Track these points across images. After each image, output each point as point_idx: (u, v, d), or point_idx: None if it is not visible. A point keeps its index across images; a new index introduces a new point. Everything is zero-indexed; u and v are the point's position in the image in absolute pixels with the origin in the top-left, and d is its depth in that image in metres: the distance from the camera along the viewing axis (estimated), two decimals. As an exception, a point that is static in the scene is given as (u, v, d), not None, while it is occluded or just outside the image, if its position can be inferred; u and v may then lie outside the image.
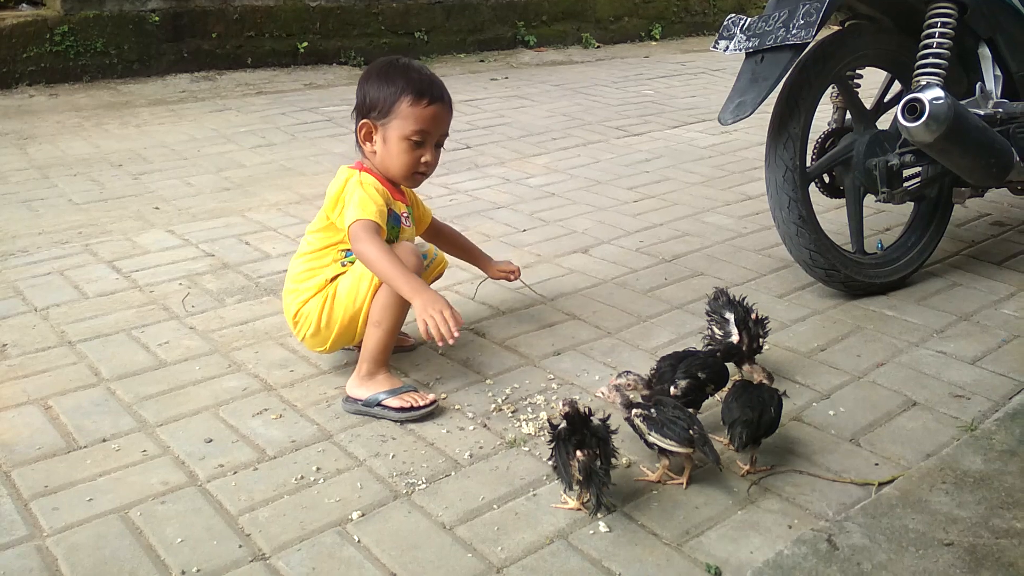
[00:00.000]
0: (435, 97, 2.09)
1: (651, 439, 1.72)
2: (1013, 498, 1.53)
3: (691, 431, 1.69)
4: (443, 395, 2.11)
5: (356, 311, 2.08)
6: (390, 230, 2.10)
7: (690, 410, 1.81)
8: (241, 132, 4.64)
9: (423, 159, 2.12)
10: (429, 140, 2.11)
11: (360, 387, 2.05)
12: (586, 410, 1.68)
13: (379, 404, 2.01)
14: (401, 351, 2.32)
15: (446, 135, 2.17)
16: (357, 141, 2.15)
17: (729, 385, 1.91)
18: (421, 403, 2.01)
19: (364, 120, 2.11)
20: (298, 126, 4.79)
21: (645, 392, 1.80)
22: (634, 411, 1.77)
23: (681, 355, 1.99)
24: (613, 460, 1.66)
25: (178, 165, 4.05)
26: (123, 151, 4.26)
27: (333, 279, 2.13)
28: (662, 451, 1.73)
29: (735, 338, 2.06)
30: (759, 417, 1.73)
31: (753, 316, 2.10)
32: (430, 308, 1.89)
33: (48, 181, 3.79)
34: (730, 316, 2.09)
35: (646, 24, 7.97)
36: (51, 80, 5.51)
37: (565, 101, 5.48)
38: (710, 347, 2.09)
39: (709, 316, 2.17)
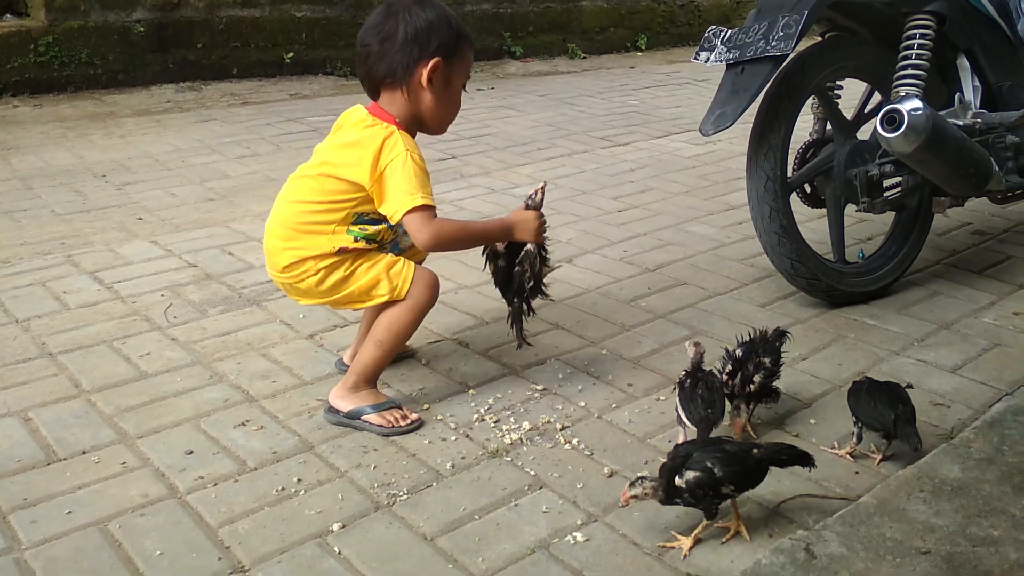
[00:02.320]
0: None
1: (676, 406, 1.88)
2: (990, 506, 1.54)
3: (707, 410, 1.81)
4: (425, 406, 2.11)
5: (361, 300, 2.02)
6: None
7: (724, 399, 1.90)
8: (226, 142, 4.64)
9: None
10: None
11: (344, 399, 2.03)
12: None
13: (361, 418, 2.00)
14: (400, 358, 2.30)
15: None
16: (403, 80, 1.96)
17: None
18: (403, 424, 1.99)
19: (437, 58, 1.95)
20: (283, 136, 4.78)
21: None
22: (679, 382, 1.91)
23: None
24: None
25: (162, 176, 4.04)
26: (107, 162, 4.25)
27: (344, 252, 1.97)
28: (679, 418, 1.86)
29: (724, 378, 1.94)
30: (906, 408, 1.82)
31: (759, 360, 1.95)
32: (533, 230, 2.02)
33: (31, 192, 3.77)
34: (738, 352, 1.98)
35: (632, 35, 8.01)
36: (35, 91, 5.49)
37: (551, 111, 5.50)
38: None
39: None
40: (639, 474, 1.64)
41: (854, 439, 1.87)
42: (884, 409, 1.78)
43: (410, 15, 1.95)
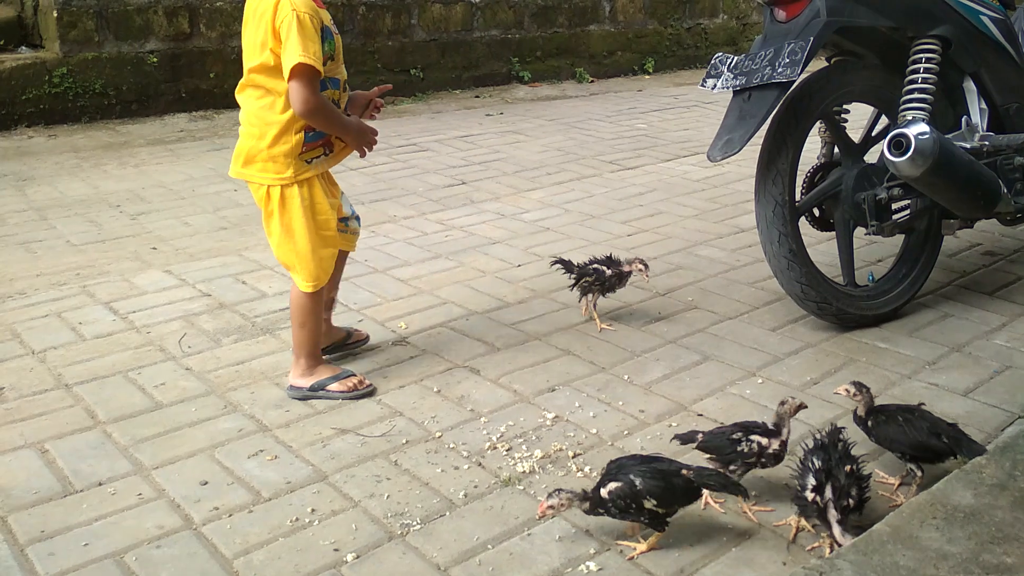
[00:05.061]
0: None
1: None
2: (1003, 533, 1.54)
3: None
4: (438, 433, 2.12)
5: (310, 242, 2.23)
6: (326, 44, 2.13)
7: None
8: (238, 171, 4.67)
9: None
10: None
11: (303, 377, 2.28)
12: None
13: (324, 389, 2.26)
14: (355, 344, 2.56)
15: None
16: None
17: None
18: (362, 387, 2.28)
19: None
20: (295, 164, 4.81)
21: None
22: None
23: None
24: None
25: (176, 205, 4.08)
26: (121, 191, 4.29)
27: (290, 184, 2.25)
28: None
29: (809, 495, 1.67)
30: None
31: (848, 468, 1.68)
32: (365, 140, 2.26)
33: (46, 222, 3.82)
34: (817, 463, 1.69)
35: (639, 58, 8.06)
36: (50, 121, 5.56)
37: (559, 136, 5.53)
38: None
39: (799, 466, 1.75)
40: (557, 487, 1.70)
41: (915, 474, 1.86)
42: (932, 437, 1.83)
43: None
